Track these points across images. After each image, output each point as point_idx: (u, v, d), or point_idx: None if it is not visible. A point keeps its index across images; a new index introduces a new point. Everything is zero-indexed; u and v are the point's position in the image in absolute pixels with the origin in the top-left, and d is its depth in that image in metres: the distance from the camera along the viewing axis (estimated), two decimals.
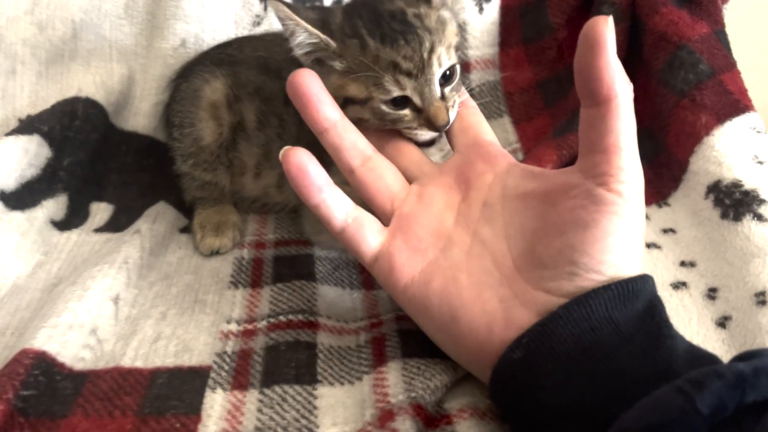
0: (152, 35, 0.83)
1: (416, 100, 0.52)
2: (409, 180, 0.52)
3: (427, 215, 0.49)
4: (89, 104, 0.77)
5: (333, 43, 0.52)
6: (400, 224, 0.49)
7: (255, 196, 0.75)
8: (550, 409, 0.38)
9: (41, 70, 0.81)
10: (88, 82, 0.79)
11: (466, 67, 0.90)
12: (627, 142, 0.40)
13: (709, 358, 0.38)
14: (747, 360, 0.33)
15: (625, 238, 0.40)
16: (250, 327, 0.55)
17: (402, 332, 0.53)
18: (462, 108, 0.54)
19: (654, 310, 0.39)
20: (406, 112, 0.52)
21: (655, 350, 0.37)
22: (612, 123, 0.39)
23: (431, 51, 0.51)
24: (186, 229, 0.73)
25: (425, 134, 0.53)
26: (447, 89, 0.53)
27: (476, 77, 0.90)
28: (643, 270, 0.41)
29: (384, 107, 0.52)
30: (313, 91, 0.48)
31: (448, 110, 0.52)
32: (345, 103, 0.53)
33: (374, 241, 0.49)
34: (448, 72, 0.53)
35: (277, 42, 0.69)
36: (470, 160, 0.50)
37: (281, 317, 0.56)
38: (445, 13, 0.55)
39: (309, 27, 0.52)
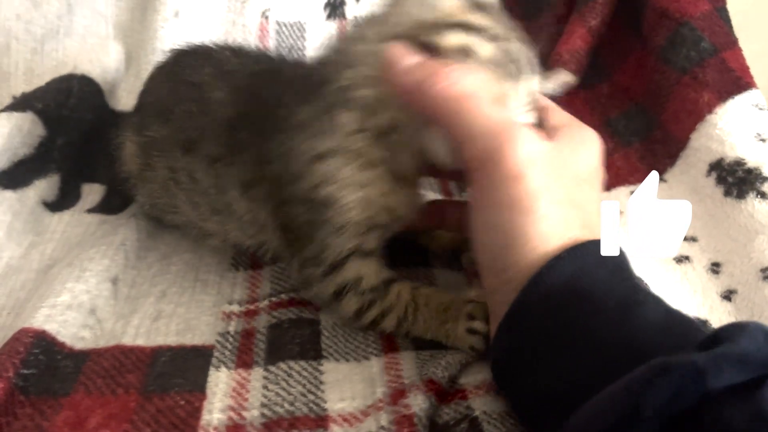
0: (146, 8, 0.81)
1: None
2: None
3: None
4: (85, 82, 0.75)
5: None
6: None
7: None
8: (543, 395, 0.38)
9: (36, 47, 0.79)
10: (84, 59, 0.77)
11: None
12: None
13: (686, 325, 0.37)
14: (713, 346, 0.31)
15: None
16: (252, 307, 0.55)
17: None
18: None
19: (623, 274, 0.40)
20: None
21: (628, 322, 0.36)
22: None
23: None
24: None
25: None
26: None
27: None
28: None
29: None
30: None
31: None
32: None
33: None
34: None
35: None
36: None
37: (283, 295, 0.55)
38: None
39: None
